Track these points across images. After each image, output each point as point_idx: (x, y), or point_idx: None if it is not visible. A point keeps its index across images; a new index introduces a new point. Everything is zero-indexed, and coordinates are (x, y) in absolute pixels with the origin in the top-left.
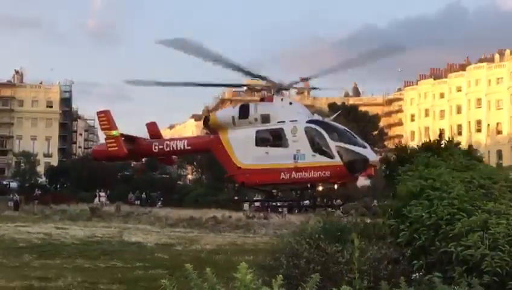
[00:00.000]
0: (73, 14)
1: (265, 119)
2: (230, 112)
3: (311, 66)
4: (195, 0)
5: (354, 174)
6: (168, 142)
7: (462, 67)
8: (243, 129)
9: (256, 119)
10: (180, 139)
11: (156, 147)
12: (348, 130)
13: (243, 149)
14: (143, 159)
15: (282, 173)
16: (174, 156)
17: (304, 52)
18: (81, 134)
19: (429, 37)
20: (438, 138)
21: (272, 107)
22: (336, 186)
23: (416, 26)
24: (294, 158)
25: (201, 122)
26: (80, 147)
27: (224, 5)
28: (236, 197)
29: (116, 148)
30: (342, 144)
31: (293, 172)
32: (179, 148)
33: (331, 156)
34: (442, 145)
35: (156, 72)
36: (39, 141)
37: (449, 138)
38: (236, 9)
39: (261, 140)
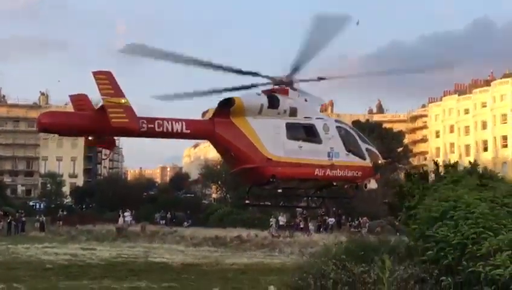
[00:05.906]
0: (99, 36)
1: (293, 112)
2: (258, 99)
3: (338, 83)
4: (223, 21)
5: (375, 176)
6: (161, 122)
7: (487, 83)
8: (269, 119)
9: (285, 111)
10: (176, 120)
11: (144, 125)
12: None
13: (272, 140)
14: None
15: (317, 169)
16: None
17: (332, 71)
18: (106, 154)
19: (454, 52)
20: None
21: (298, 101)
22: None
23: (442, 42)
24: (329, 155)
25: None
26: (105, 167)
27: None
28: (247, 201)
29: (127, 120)
30: (368, 146)
31: (328, 169)
32: (174, 131)
33: (363, 157)
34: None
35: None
36: (65, 162)
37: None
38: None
39: (293, 133)
